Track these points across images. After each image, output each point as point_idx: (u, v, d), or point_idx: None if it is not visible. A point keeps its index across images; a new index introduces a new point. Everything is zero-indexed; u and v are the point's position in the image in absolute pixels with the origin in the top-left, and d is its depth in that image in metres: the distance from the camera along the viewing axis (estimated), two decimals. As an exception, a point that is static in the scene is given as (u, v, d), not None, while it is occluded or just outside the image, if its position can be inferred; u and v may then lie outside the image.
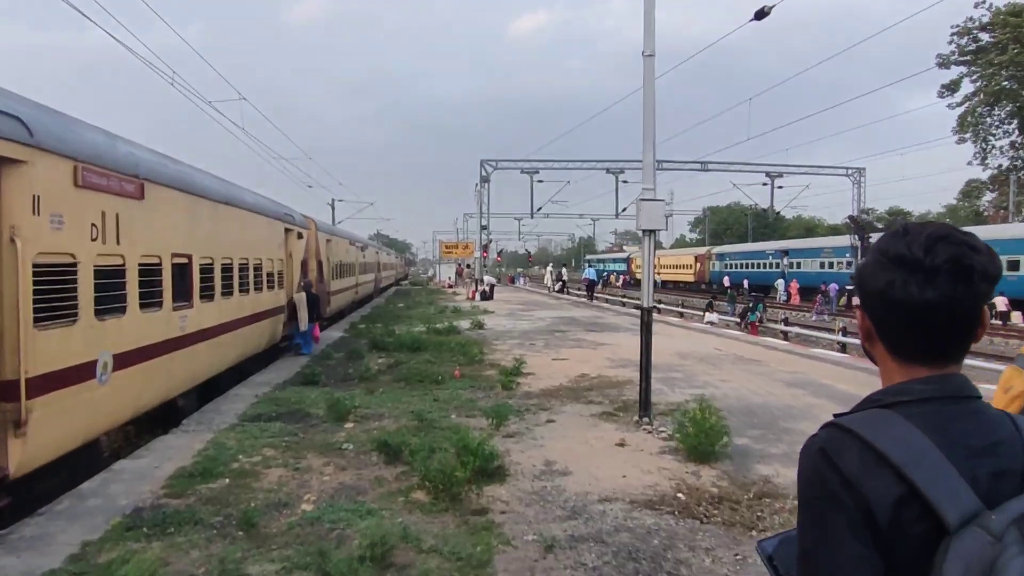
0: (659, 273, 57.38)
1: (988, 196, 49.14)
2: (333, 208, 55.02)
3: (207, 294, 9.88)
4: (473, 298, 35.02)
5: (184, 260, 9.00)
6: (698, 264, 56.39)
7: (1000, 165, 47.43)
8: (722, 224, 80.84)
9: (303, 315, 15.14)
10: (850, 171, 40.81)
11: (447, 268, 61.31)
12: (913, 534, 1.00)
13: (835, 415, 1.13)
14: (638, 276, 60.43)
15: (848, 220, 37.88)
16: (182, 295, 8.93)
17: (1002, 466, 1.05)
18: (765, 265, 47.33)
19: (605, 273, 73.30)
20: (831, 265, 39.10)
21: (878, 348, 1.18)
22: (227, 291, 10.82)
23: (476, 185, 38.38)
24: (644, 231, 8.31)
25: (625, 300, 36.32)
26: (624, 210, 41.53)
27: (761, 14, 10.95)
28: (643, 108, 8.19)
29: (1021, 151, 46.12)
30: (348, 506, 5.53)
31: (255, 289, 12.50)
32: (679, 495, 5.75)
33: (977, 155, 47.91)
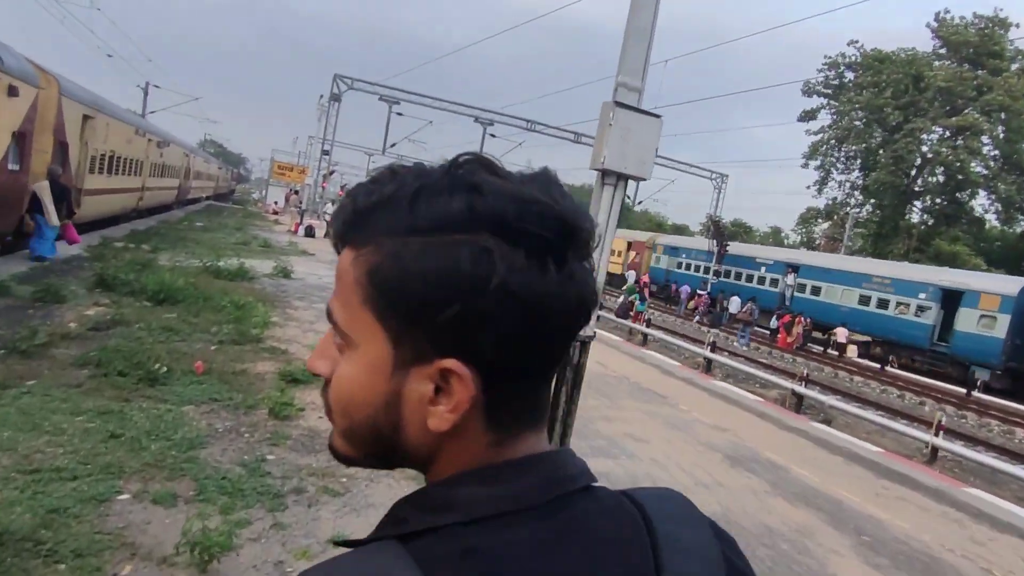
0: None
1: (824, 225, 51.10)
2: (146, 93, 45.22)
3: None
4: (296, 232, 29.26)
5: None
6: (633, 253, 40.69)
7: (835, 198, 49.44)
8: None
9: (49, 208, 11.16)
10: (714, 175, 39.89)
11: (277, 191, 53.69)
12: None
13: (337, 542, 0.59)
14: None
15: (709, 222, 36.76)
16: None
17: None
18: (752, 279, 31.64)
19: None
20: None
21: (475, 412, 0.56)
22: None
23: (320, 97, 32.10)
24: (607, 174, 4.06)
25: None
26: (488, 166, 37.37)
27: None
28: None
29: (857, 191, 48.16)
30: None
31: None
32: None
33: (816, 183, 49.71)
